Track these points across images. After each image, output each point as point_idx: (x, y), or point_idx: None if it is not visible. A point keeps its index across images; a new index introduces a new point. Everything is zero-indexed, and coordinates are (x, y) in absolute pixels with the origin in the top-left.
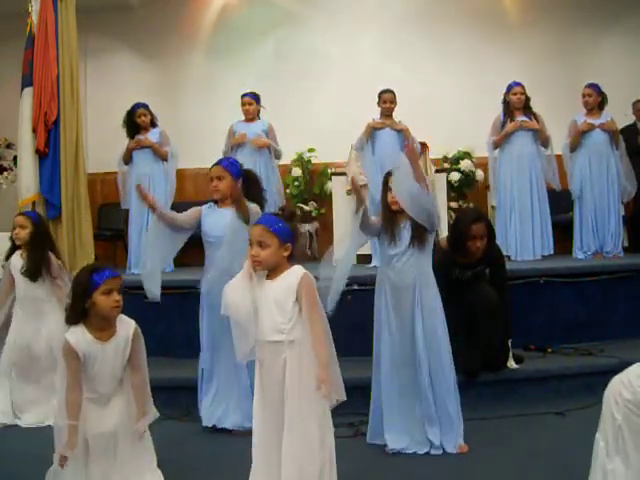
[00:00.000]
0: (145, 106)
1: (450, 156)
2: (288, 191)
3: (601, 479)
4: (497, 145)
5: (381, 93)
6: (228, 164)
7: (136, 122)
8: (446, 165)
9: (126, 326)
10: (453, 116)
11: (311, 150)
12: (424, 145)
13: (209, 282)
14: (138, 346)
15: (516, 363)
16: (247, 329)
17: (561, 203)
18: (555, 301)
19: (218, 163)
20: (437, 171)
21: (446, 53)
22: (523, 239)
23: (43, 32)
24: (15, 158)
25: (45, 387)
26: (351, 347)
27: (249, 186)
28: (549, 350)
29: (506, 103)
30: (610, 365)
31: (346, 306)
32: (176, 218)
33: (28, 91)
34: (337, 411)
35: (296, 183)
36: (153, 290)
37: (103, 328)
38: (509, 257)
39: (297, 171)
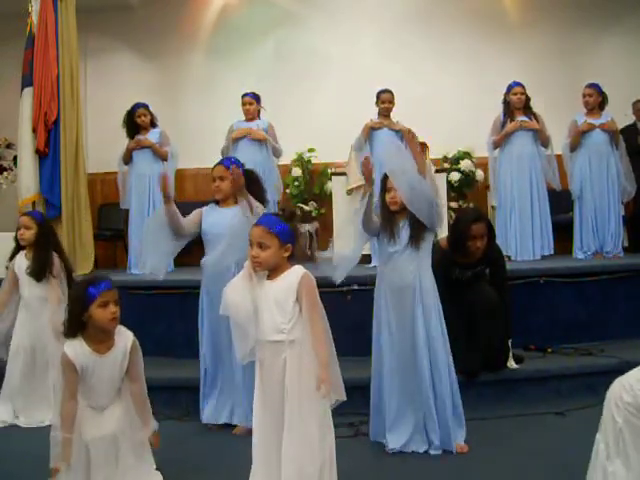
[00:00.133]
0: (145, 106)
1: (450, 156)
2: (288, 191)
3: None
4: (497, 145)
5: (379, 93)
6: (230, 164)
7: (136, 122)
8: (446, 165)
9: (124, 338)
10: (453, 116)
11: (311, 150)
12: (424, 145)
13: (206, 269)
14: (136, 358)
15: (516, 363)
16: (247, 329)
17: (561, 203)
18: (555, 301)
19: (220, 163)
20: (437, 171)
21: (446, 53)
22: (523, 239)
23: (43, 32)
24: (15, 158)
25: (46, 387)
26: (351, 347)
27: (251, 186)
28: (549, 350)
29: (506, 103)
30: (610, 365)
31: (346, 306)
32: (181, 222)
33: (28, 91)
34: (337, 411)
35: (296, 183)
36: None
37: (101, 340)
38: (509, 257)
39: (297, 171)
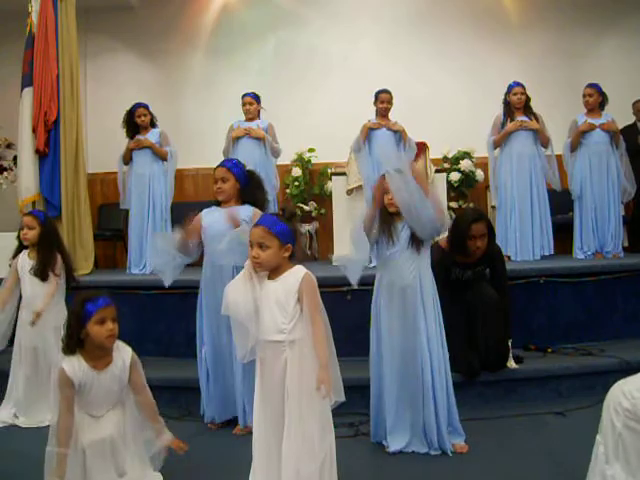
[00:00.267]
0: (145, 106)
1: (450, 156)
2: (288, 191)
3: None
4: (497, 145)
5: (378, 93)
6: (232, 165)
7: (136, 122)
8: (446, 165)
9: (123, 353)
10: (453, 116)
11: (311, 150)
12: (424, 145)
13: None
14: (137, 373)
15: (516, 363)
16: (247, 329)
17: (561, 203)
18: (555, 301)
19: (222, 165)
20: (437, 171)
21: (446, 53)
22: (523, 239)
23: (43, 32)
24: (15, 158)
25: (46, 387)
26: (351, 347)
27: (253, 188)
28: (549, 350)
29: (506, 103)
30: (610, 365)
31: (346, 306)
32: (189, 247)
33: (28, 91)
34: (337, 411)
35: (296, 183)
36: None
37: (99, 357)
38: (509, 257)
39: (297, 171)
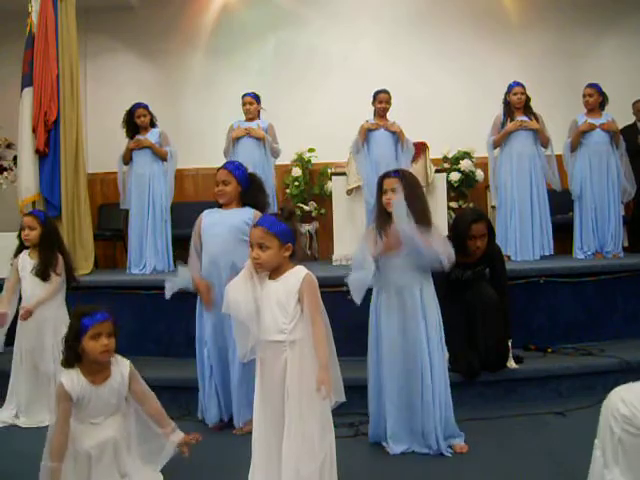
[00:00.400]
0: (145, 106)
1: (450, 156)
2: (288, 191)
3: None
4: (497, 144)
5: (377, 93)
6: (234, 168)
7: (135, 122)
8: (446, 165)
9: (121, 367)
10: (453, 116)
11: (311, 150)
12: (424, 145)
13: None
14: (137, 383)
15: (516, 363)
16: (248, 328)
17: (561, 203)
18: (555, 301)
19: (224, 167)
20: (437, 171)
21: (446, 53)
22: (523, 239)
23: (43, 32)
24: (15, 158)
25: (46, 388)
26: (351, 347)
27: (254, 190)
28: (549, 350)
29: (506, 103)
30: (610, 365)
31: (346, 306)
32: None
33: (28, 91)
34: (337, 411)
35: (296, 183)
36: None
37: (97, 371)
38: (509, 257)
39: (297, 171)
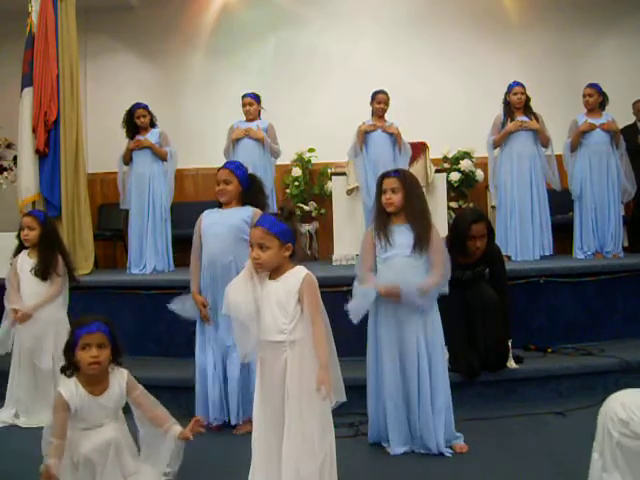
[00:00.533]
0: (144, 107)
1: (450, 156)
2: (288, 191)
3: None
4: (497, 144)
5: (375, 94)
6: (235, 168)
7: (135, 123)
8: (446, 165)
9: (119, 378)
10: (453, 116)
11: (311, 150)
12: (424, 145)
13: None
14: (136, 391)
15: (516, 363)
16: (248, 329)
17: (561, 203)
18: (555, 301)
19: (225, 167)
20: (437, 171)
21: (446, 53)
22: (523, 239)
23: (43, 32)
24: (15, 158)
25: (46, 388)
26: (351, 347)
27: (254, 191)
28: (549, 350)
29: (506, 103)
30: (610, 365)
31: (346, 306)
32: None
33: (28, 91)
34: (337, 411)
35: (296, 183)
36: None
37: (95, 382)
38: (509, 257)
39: (297, 171)
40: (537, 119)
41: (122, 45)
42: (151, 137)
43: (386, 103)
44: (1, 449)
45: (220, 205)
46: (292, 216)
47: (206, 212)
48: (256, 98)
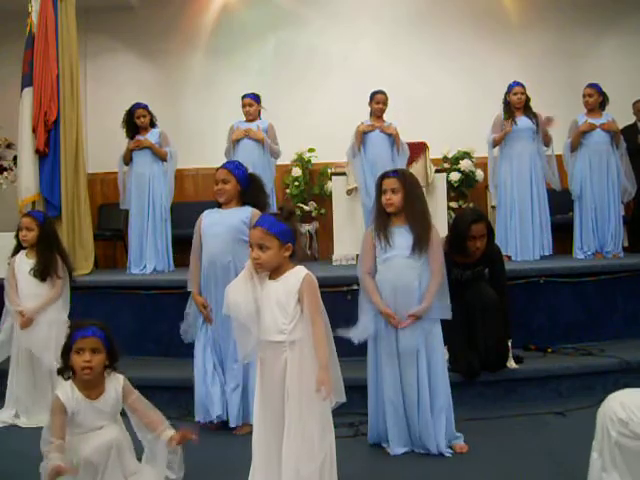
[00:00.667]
0: (144, 107)
1: (450, 156)
2: (288, 191)
3: None
4: (497, 143)
5: (373, 94)
6: (234, 167)
7: (135, 123)
8: (446, 165)
9: (115, 383)
10: (453, 116)
11: (311, 150)
12: (424, 145)
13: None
14: (132, 396)
15: (516, 363)
16: (249, 329)
17: (561, 203)
18: (555, 301)
19: (223, 166)
20: (437, 171)
21: (446, 53)
22: (523, 239)
23: (43, 32)
24: (15, 158)
25: (45, 388)
26: (351, 347)
27: (254, 190)
28: (549, 350)
29: (506, 103)
30: (610, 365)
31: (346, 306)
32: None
33: (28, 91)
34: (337, 411)
35: (296, 183)
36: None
37: (91, 386)
38: (509, 257)
39: (297, 171)
40: (537, 119)
41: (122, 45)
42: (151, 137)
43: (385, 103)
44: (1, 449)
45: (220, 205)
46: (292, 216)
47: (206, 212)
48: (256, 98)
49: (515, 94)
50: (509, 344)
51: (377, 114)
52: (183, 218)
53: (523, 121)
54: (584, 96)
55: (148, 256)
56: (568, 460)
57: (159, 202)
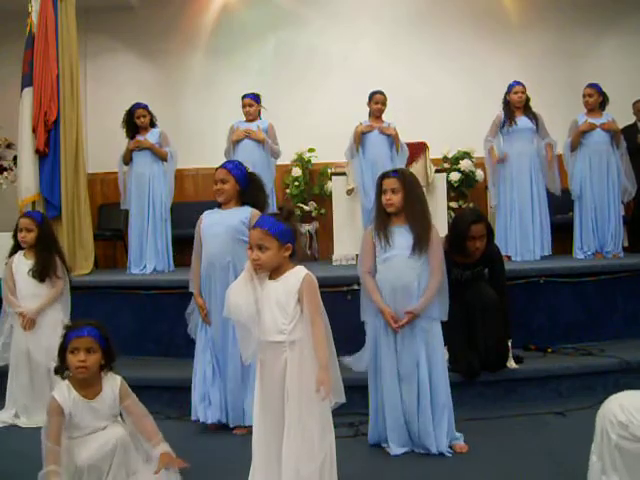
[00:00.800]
0: (144, 107)
1: (450, 156)
2: (288, 191)
3: None
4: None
5: (372, 94)
6: (233, 167)
7: (135, 123)
8: (446, 165)
9: (112, 383)
10: (453, 116)
11: (311, 150)
12: (424, 145)
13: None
14: (129, 399)
15: (516, 363)
16: (250, 330)
17: (561, 203)
18: (555, 301)
19: (222, 166)
20: (437, 171)
21: (446, 53)
22: (523, 239)
23: (43, 32)
24: (15, 158)
25: (44, 388)
26: (351, 347)
27: (253, 190)
28: (549, 350)
29: (507, 103)
30: (610, 365)
31: (346, 306)
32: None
33: (28, 91)
34: (337, 411)
35: (296, 183)
36: None
37: (87, 386)
38: (509, 257)
39: (297, 171)
40: (537, 119)
41: (122, 45)
42: (151, 137)
43: (383, 103)
44: (1, 449)
45: (220, 205)
46: (291, 216)
47: (206, 212)
48: (256, 98)
49: (516, 93)
50: (509, 344)
51: (376, 114)
52: (183, 218)
53: (523, 121)
54: (584, 96)
55: (148, 256)
56: (568, 460)
57: (159, 202)
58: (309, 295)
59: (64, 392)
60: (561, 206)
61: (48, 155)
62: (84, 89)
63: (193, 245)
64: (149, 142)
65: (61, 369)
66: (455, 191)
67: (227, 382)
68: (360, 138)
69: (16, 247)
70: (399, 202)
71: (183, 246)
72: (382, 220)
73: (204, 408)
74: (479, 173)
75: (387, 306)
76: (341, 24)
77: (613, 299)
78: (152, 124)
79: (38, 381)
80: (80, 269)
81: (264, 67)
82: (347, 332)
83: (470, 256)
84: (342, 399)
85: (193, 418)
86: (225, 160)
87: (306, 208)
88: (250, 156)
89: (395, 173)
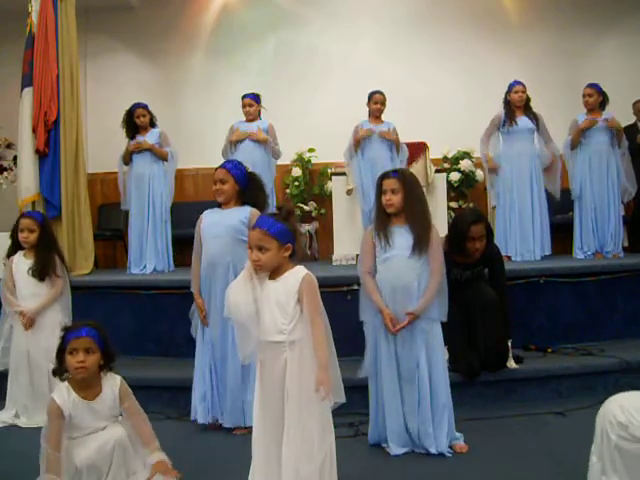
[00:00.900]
0: (144, 106)
1: (450, 156)
2: (288, 191)
3: None
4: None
5: (372, 94)
6: (232, 167)
7: (135, 122)
8: (446, 165)
9: (111, 383)
10: (453, 116)
11: (311, 150)
12: (424, 145)
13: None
14: (129, 400)
15: (516, 363)
16: (249, 330)
17: (561, 203)
18: (555, 301)
19: (222, 166)
20: (437, 171)
21: (446, 53)
22: (523, 239)
23: (43, 32)
24: (15, 158)
25: (45, 388)
26: (351, 347)
27: (253, 189)
28: (549, 350)
29: (507, 102)
30: (610, 365)
31: (346, 306)
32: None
33: (28, 91)
34: (337, 411)
35: (296, 183)
36: None
37: (87, 387)
38: (509, 257)
39: (297, 171)
40: (537, 119)
41: (122, 45)
42: (151, 137)
43: (383, 103)
44: (1, 449)
45: (220, 205)
46: (291, 216)
47: (206, 212)
48: (256, 98)
49: (516, 92)
50: (509, 344)
51: (375, 114)
52: (183, 218)
53: (523, 121)
54: (584, 96)
55: (148, 256)
56: (568, 460)
57: (159, 202)
58: (309, 295)
59: (64, 394)
60: (561, 206)
61: (48, 155)
62: (84, 89)
63: (193, 245)
64: (149, 143)
65: (59, 370)
66: (455, 191)
67: (227, 382)
68: (360, 143)
69: (15, 247)
70: (399, 202)
71: (183, 246)
72: (382, 220)
73: (204, 408)
74: (479, 173)
75: (386, 307)
76: (341, 24)
77: (613, 299)
78: (152, 124)
79: (38, 381)
80: (80, 269)
81: (264, 67)
82: (347, 332)
83: (470, 256)
84: (342, 399)
85: (192, 418)
86: (223, 160)
87: (306, 208)
88: (250, 156)
89: (395, 173)
